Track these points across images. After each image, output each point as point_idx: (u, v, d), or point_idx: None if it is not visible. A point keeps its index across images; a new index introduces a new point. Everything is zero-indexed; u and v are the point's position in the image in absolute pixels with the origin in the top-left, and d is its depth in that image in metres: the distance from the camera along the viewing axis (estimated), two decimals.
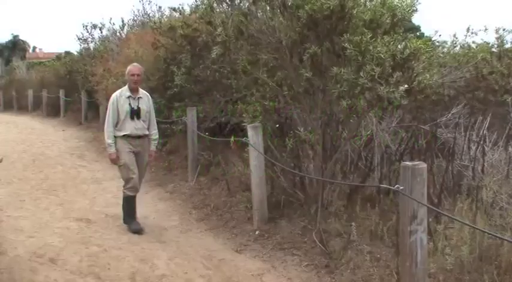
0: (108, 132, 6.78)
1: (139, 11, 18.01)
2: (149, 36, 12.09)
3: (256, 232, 6.54)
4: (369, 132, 7.24)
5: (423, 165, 4.08)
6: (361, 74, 5.19)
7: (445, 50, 10.76)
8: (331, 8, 5.40)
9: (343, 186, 6.62)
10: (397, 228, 4.80)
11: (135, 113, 6.81)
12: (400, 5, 5.64)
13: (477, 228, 4.62)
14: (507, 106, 8.06)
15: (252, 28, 6.23)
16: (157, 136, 7.21)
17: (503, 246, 4.73)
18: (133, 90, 6.86)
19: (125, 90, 6.88)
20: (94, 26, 20.50)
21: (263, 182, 6.67)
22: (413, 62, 5.33)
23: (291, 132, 6.64)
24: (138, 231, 6.74)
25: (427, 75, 5.42)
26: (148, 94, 7.15)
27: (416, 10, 5.78)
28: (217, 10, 7.18)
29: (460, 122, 7.80)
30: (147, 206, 8.04)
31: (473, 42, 10.35)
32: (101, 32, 20.33)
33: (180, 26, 9.76)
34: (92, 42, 20.94)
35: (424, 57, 5.73)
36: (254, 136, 6.50)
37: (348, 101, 5.46)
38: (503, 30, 9.67)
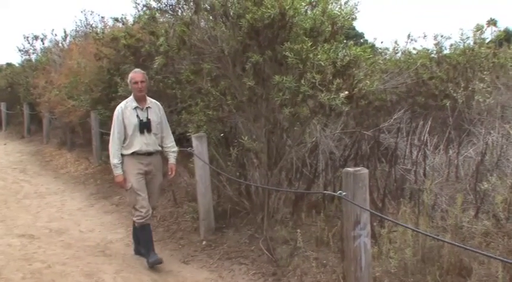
0: (113, 151, 5.90)
1: (82, 22, 17.77)
2: (92, 47, 11.94)
3: (203, 242, 6.53)
4: (313, 139, 7.32)
5: (365, 171, 4.14)
6: (303, 81, 5.25)
7: (387, 56, 10.99)
8: (272, 17, 5.43)
9: (289, 193, 6.67)
10: (341, 234, 4.85)
11: (144, 126, 5.93)
12: (340, 13, 5.73)
13: (419, 231, 4.73)
14: (447, 110, 8.25)
15: (194, 38, 6.22)
16: (176, 148, 6.32)
17: (444, 247, 4.84)
18: (140, 100, 6.01)
19: (130, 101, 6.03)
20: (36, 37, 20.22)
21: (209, 192, 6.66)
22: (353, 69, 5.42)
23: (236, 141, 6.66)
24: (158, 262, 5.91)
25: (368, 82, 5.51)
26: (158, 103, 6.28)
27: (355, 18, 5.88)
28: (161, 20, 7.16)
29: (402, 126, 7.95)
30: (92, 219, 7.95)
31: (414, 48, 10.59)
32: (43, 43, 20.09)
33: (123, 36, 9.66)
34: (33, 53, 20.64)
35: (365, 64, 5.84)
36: (199, 146, 6.49)
37: (290, 109, 5.50)
38: (441, 36, 9.93)
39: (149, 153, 6.00)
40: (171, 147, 6.25)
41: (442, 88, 9.11)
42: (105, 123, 11.53)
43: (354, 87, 5.37)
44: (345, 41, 6.27)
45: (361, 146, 7.53)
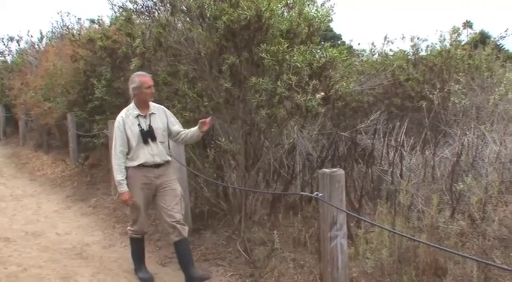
0: (116, 166, 5.28)
1: (58, 23, 17.64)
2: (68, 48, 11.87)
3: None
4: (290, 141, 7.34)
5: (341, 172, 4.16)
6: (279, 83, 5.26)
7: (364, 58, 11.07)
8: (248, 18, 5.44)
9: (266, 194, 6.68)
10: (318, 235, 4.87)
11: (148, 135, 5.30)
12: (316, 15, 5.75)
13: (395, 232, 4.76)
14: (423, 111, 8.32)
15: (171, 39, 6.20)
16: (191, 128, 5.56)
17: (420, 247, 4.88)
18: (144, 107, 5.39)
19: (131, 109, 5.40)
20: (11, 39, 20.06)
21: (186, 194, 6.63)
22: (330, 71, 5.44)
23: (213, 142, 6.66)
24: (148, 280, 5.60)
25: (344, 83, 5.55)
26: (163, 107, 5.65)
27: (331, 20, 5.93)
28: (137, 21, 7.14)
29: (379, 128, 8.01)
30: (69, 222, 7.88)
31: (391, 50, 10.68)
32: (19, 45, 19.91)
33: (99, 38, 9.63)
34: (9, 55, 20.45)
35: (341, 65, 5.87)
36: (176, 148, 6.46)
37: (267, 110, 5.51)
38: (418, 38, 10.03)
39: (157, 165, 5.37)
40: (185, 130, 5.58)
41: (418, 89, 9.20)
42: (82, 125, 11.49)
43: (330, 88, 5.40)
44: (322, 42, 6.30)
45: (338, 147, 7.57)
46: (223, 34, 5.71)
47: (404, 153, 7.14)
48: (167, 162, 5.48)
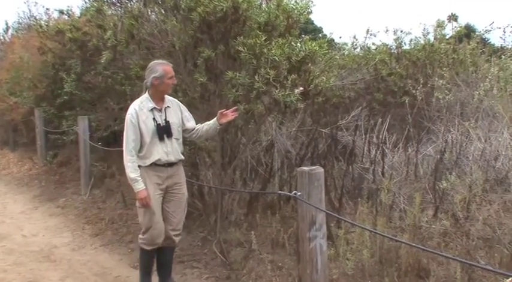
0: (129, 164, 4.89)
1: (25, 13, 17.46)
2: (35, 40, 11.75)
3: None
4: (268, 138, 7.36)
5: (320, 170, 4.17)
6: (256, 77, 5.26)
7: (346, 51, 11.11)
8: (225, 10, 5.43)
9: (243, 194, 6.70)
10: (297, 235, 4.89)
11: (164, 131, 4.98)
12: (295, 7, 5.76)
13: (376, 232, 4.80)
14: (406, 107, 8.36)
15: (143, 31, 6.18)
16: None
17: (402, 248, 4.92)
18: (159, 99, 5.06)
19: (145, 101, 5.02)
20: None
21: None
22: (309, 65, 5.45)
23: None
24: None
25: (324, 78, 5.56)
26: (176, 100, 5.33)
27: (311, 12, 5.95)
28: (108, 13, 7.10)
29: (360, 124, 8.05)
30: (36, 223, 7.84)
31: (373, 43, 10.73)
32: None
33: (68, 30, 9.55)
34: None
35: (321, 59, 5.89)
36: None
37: (244, 106, 5.51)
38: (401, 31, 10.07)
39: (170, 164, 5.06)
40: (199, 126, 5.32)
41: (401, 84, 9.24)
42: (51, 121, 11.41)
43: (310, 83, 5.41)
44: (302, 35, 6.32)
45: (318, 144, 7.60)
46: (199, 26, 5.70)
47: (386, 150, 7.20)
48: (180, 161, 5.18)
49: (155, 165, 4.96)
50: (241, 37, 5.48)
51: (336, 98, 9.00)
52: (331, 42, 11.67)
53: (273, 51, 5.28)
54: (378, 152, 7.19)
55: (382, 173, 6.70)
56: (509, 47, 10.08)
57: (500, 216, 5.35)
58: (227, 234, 6.14)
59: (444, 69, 8.86)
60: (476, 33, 10.39)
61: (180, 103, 5.32)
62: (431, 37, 9.82)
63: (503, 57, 9.63)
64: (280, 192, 5.95)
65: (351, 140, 7.67)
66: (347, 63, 9.80)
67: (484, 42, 10.98)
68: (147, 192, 4.88)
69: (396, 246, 5.00)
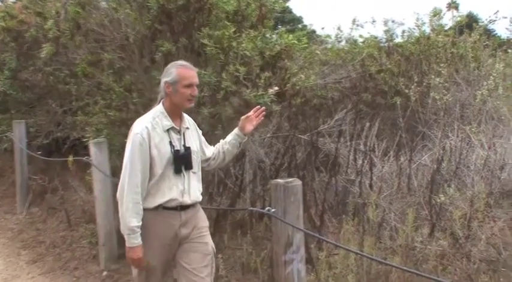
0: (131, 204, 3.91)
1: None
2: None
3: (104, 273, 6.46)
4: None
5: (298, 183, 4.16)
6: (224, 75, 5.28)
7: (329, 45, 11.12)
8: None
9: (209, 210, 6.69)
10: (271, 259, 4.90)
11: (183, 161, 4.05)
12: None
13: (363, 255, 4.81)
14: (397, 110, 8.38)
15: (92, 21, 6.17)
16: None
17: (393, 272, 4.95)
18: (176, 116, 4.13)
19: (160, 117, 4.06)
20: None
21: (111, 211, 6.57)
22: (285, 61, 5.48)
23: None
24: None
25: (303, 76, 5.59)
26: (191, 119, 4.38)
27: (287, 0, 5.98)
28: None
29: (345, 129, 8.08)
30: None
31: (360, 36, 10.78)
32: None
33: (1, 17, 9.48)
34: None
35: (300, 54, 5.93)
36: (98, 154, 6.42)
37: (210, 109, 5.52)
38: (393, 21, 10.12)
39: (183, 207, 4.11)
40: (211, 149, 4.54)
41: (392, 83, 9.29)
42: None
43: (286, 82, 5.44)
44: (279, 26, 6.35)
45: (296, 152, 7.61)
46: (157, 16, 5.71)
47: (375, 159, 7.23)
48: (197, 203, 4.26)
49: (163, 209, 4.03)
50: (207, 28, 5.51)
51: (316, 99, 9.03)
52: (311, 34, 11.74)
53: (243, 45, 5.30)
54: (366, 161, 7.21)
55: (370, 186, 6.72)
56: None
57: (505, 235, 5.40)
58: None
59: (442, 65, 8.92)
60: (480, 23, 10.45)
61: (196, 126, 4.46)
62: (427, 28, 9.88)
63: (509, 51, 9.73)
64: (251, 208, 5.95)
65: (334, 148, 7.68)
66: (330, 59, 9.84)
67: (488, 34, 11.05)
68: (142, 252, 3.97)
69: (386, 270, 5.02)
